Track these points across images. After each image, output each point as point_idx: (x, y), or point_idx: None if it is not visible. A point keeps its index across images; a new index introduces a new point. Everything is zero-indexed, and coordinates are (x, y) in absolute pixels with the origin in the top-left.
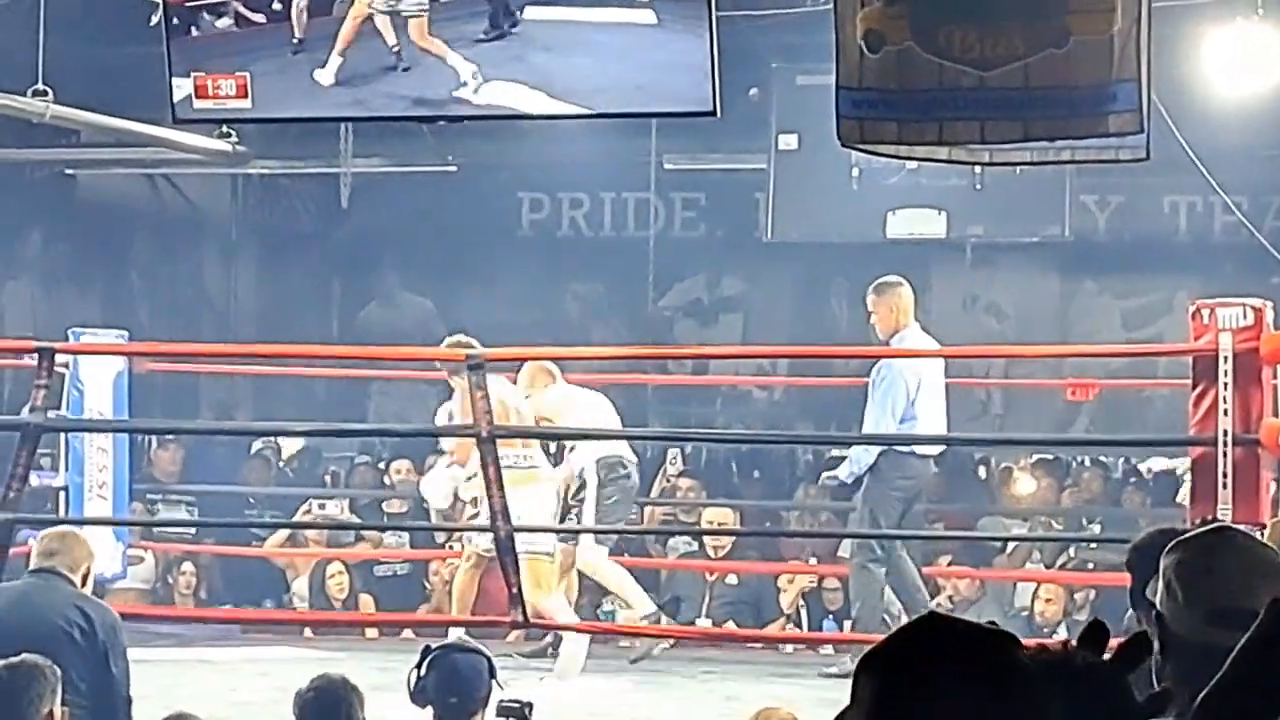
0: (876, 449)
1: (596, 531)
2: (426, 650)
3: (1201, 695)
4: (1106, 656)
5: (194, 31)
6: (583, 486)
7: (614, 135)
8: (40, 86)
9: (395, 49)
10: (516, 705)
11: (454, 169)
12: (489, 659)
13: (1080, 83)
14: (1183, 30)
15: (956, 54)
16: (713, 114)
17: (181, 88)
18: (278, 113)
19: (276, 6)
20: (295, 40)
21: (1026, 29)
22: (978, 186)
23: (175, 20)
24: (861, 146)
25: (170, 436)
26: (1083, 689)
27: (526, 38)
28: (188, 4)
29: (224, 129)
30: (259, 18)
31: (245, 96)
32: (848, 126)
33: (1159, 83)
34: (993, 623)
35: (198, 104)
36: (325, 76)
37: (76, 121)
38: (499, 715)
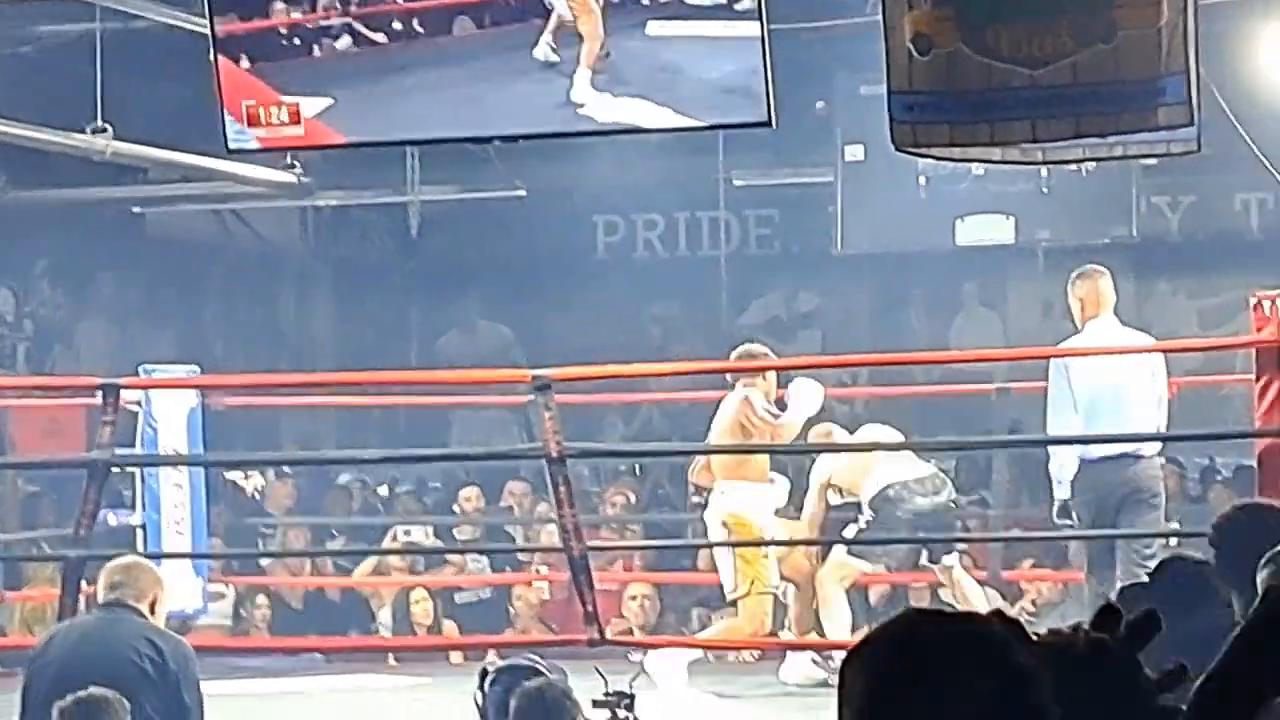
0: (1064, 457)
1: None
2: (484, 673)
3: (1200, 680)
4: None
5: (315, 52)
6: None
7: (681, 154)
8: (99, 123)
9: None
10: (615, 696)
11: (523, 193)
12: (546, 676)
13: (1129, 77)
14: (1240, 27)
15: (1005, 53)
16: (768, 124)
17: (234, 119)
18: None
19: (397, 26)
20: None
21: (1074, 25)
22: (1044, 190)
23: (297, 40)
24: (915, 150)
25: (288, 471)
26: (1088, 669)
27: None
28: (308, 24)
29: (288, 159)
30: (380, 37)
31: (297, 123)
32: (901, 131)
33: (1222, 80)
34: (998, 611)
35: (250, 132)
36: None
37: (137, 157)
38: (596, 707)
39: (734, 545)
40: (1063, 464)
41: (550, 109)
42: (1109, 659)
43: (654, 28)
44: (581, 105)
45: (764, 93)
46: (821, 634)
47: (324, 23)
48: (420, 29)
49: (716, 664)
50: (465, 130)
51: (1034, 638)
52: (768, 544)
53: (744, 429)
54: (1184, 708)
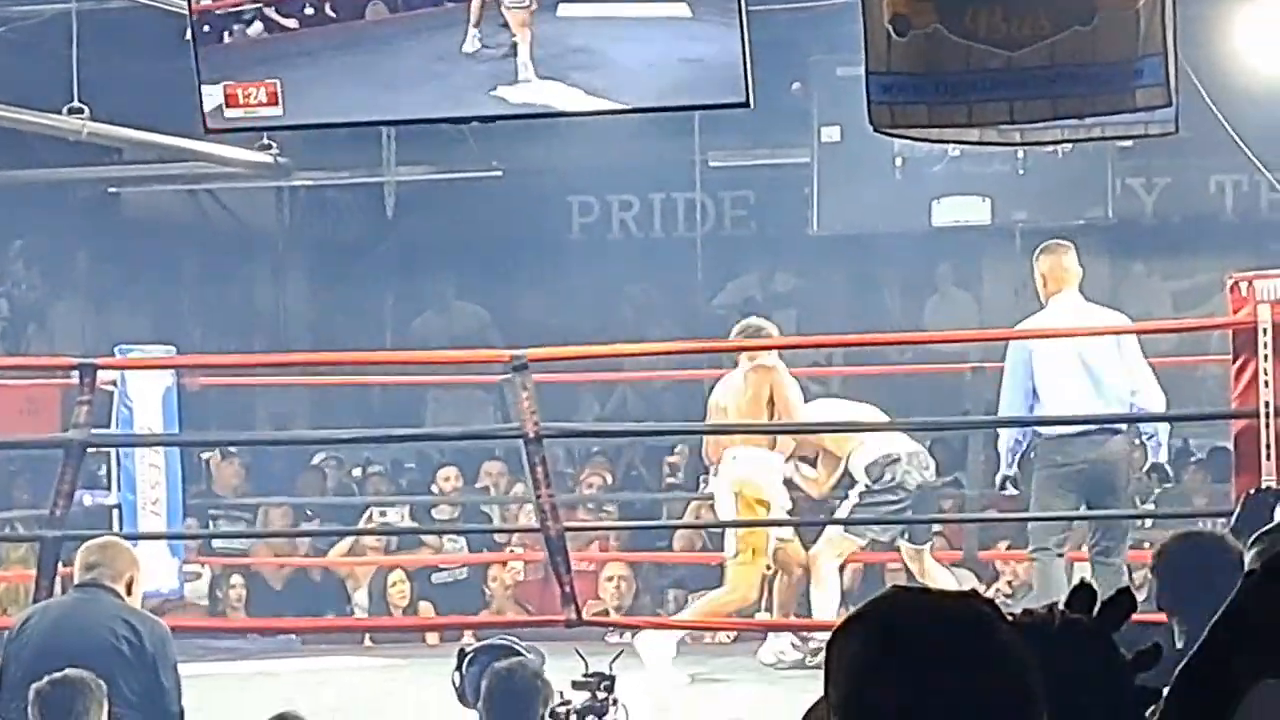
0: (1011, 436)
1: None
2: (461, 653)
3: (1179, 668)
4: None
5: (226, 39)
6: (853, 483)
7: (656, 135)
8: (76, 104)
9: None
10: (595, 677)
11: (499, 174)
12: (522, 656)
13: (1106, 59)
14: (1217, 9)
15: (983, 35)
16: (746, 105)
17: (212, 97)
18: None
19: (309, 11)
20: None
21: (1052, 7)
22: (1020, 171)
23: (207, 28)
24: (893, 131)
25: (233, 450)
26: (1064, 649)
27: (560, 35)
28: (217, 10)
29: (264, 140)
30: (291, 23)
31: (276, 104)
32: (879, 112)
33: (1198, 63)
34: (974, 590)
35: (228, 113)
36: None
37: (114, 138)
38: (575, 688)
39: (715, 526)
40: (1008, 447)
41: (474, 92)
42: (1084, 639)
43: (605, 9)
44: (516, 86)
45: (740, 74)
46: (808, 613)
47: (235, 9)
48: (333, 14)
49: (693, 644)
50: (389, 114)
51: (1009, 618)
52: (751, 524)
53: (769, 401)
54: (1163, 690)
